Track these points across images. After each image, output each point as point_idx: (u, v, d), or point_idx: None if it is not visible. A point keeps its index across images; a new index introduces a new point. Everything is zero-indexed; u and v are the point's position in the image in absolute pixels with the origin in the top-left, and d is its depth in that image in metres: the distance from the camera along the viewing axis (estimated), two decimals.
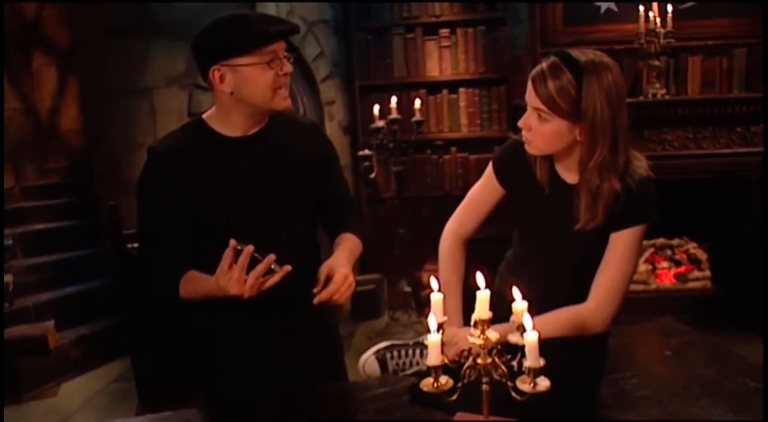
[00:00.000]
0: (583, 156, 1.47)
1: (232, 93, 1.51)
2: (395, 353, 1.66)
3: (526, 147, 1.53)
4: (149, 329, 1.97)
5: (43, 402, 3.41)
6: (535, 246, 1.62)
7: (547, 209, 1.57)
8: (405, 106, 4.09)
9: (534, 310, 1.46)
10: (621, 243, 1.48)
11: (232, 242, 1.37)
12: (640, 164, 1.50)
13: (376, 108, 3.84)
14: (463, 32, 4.21)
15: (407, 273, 4.18)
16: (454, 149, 4.33)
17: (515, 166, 1.61)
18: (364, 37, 4.32)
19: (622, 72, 1.48)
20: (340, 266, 1.53)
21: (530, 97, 1.47)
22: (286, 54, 1.52)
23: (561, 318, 1.48)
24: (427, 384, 1.11)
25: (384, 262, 4.35)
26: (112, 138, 3.49)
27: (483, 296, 1.12)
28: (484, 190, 1.69)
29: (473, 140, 4.29)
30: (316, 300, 1.48)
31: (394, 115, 3.83)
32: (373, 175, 3.96)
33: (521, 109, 1.53)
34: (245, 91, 1.50)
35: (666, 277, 3.95)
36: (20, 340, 3.45)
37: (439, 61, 4.27)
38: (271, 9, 3.61)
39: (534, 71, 1.46)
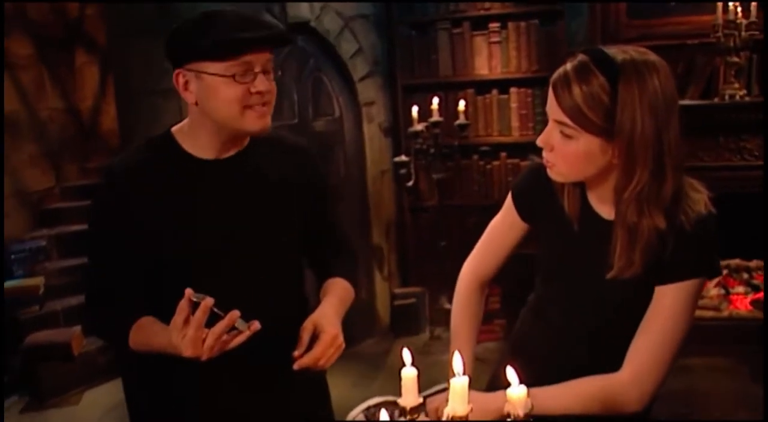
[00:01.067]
0: (618, 183, 1.14)
1: (196, 103, 1.29)
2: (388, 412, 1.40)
3: (549, 172, 1.22)
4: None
5: (64, 410, 3.33)
6: (558, 294, 1.31)
7: (575, 249, 1.25)
8: (451, 108, 3.78)
9: (552, 377, 1.16)
10: (668, 300, 1.14)
11: (188, 292, 1.14)
12: (699, 197, 1.15)
13: (415, 109, 3.55)
14: (515, 26, 3.83)
15: (450, 288, 3.88)
16: (504, 154, 3.98)
17: (538, 196, 1.31)
18: (407, 33, 4.01)
19: (673, 72, 1.15)
20: (328, 323, 1.31)
21: (551, 107, 1.16)
22: (271, 66, 1.28)
23: (584, 390, 1.16)
24: None
25: (427, 275, 4.04)
26: (141, 138, 3.38)
27: (459, 386, 0.82)
28: (503, 224, 1.40)
29: (525, 145, 3.89)
30: (296, 366, 1.27)
31: (436, 117, 3.54)
32: (410, 183, 3.68)
33: None
34: (209, 104, 1.27)
35: (741, 304, 3.49)
36: (44, 346, 3.39)
37: (489, 58, 3.91)
38: (304, 5, 3.39)
39: (556, 74, 1.15)
